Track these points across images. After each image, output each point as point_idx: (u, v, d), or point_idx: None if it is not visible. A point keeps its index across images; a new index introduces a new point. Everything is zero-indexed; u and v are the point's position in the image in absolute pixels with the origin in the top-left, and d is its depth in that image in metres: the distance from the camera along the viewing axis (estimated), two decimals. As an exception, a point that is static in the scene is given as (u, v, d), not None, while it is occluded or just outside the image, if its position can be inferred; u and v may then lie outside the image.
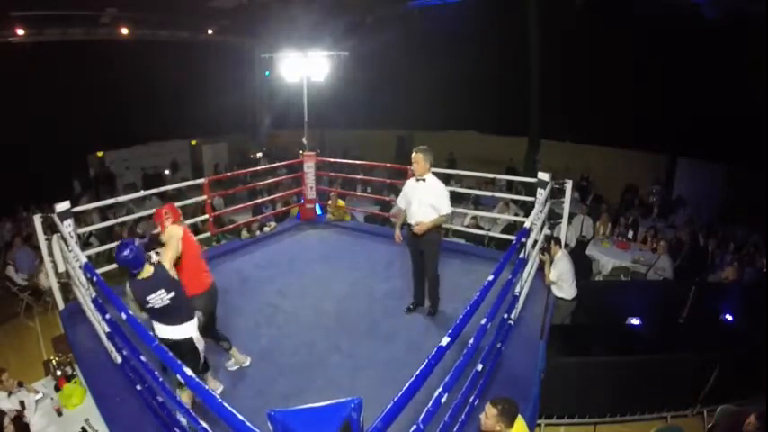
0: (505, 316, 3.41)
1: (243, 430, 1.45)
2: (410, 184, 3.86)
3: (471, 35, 11.25)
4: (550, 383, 3.51)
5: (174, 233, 2.84)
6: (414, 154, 3.73)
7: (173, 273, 2.61)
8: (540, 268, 4.62)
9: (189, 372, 1.78)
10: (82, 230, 4.44)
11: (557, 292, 4.62)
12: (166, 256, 2.64)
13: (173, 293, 2.54)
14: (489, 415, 2.35)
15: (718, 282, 6.17)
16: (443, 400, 1.95)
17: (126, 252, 2.45)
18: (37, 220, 3.76)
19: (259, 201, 7.44)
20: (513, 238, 4.76)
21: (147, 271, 2.53)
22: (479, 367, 2.79)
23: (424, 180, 3.74)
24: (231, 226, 6.42)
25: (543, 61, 10.17)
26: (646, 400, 4.42)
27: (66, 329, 3.86)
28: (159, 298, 2.51)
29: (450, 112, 12.75)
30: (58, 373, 3.62)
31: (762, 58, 7.32)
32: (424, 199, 3.70)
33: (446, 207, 3.71)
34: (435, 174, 3.84)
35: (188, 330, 2.65)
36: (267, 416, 1.35)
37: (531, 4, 9.90)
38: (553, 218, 5.28)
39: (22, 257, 6.98)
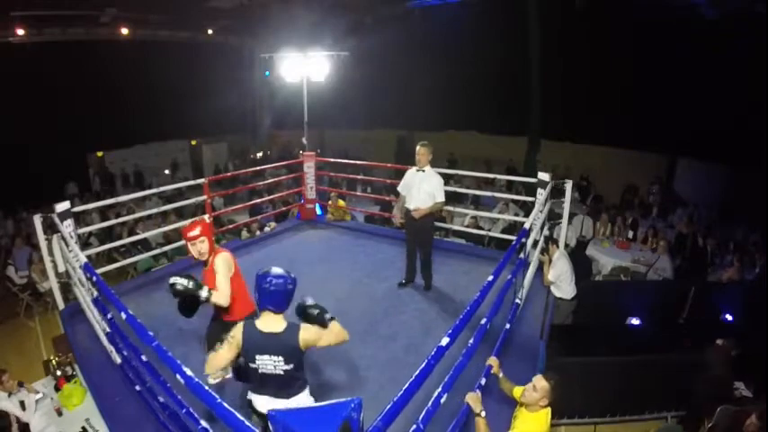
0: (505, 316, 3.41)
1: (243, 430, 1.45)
2: (410, 173, 4.23)
3: (471, 35, 11.24)
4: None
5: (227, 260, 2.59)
6: (417, 147, 4.17)
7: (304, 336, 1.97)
8: (541, 268, 4.62)
9: (188, 372, 1.78)
10: (82, 230, 4.44)
11: (556, 292, 4.62)
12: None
13: (291, 365, 1.97)
14: (538, 387, 2.29)
15: (718, 282, 6.17)
16: (443, 400, 1.95)
17: (290, 281, 1.98)
18: (37, 220, 3.76)
19: (259, 201, 7.45)
20: (513, 238, 4.77)
21: (277, 324, 1.98)
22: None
23: (423, 171, 4.13)
24: (231, 226, 6.42)
25: (543, 61, 10.16)
26: (646, 400, 4.42)
27: (66, 329, 3.87)
28: (273, 364, 1.96)
29: (451, 111, 12.71)
30: (58, 373, 3.61)
31: (762, 58, 7.32)
32: (423, 187, 4.09)
33: (441, 195, 4.12)
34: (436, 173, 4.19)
35: (302, 403, 2.05)
36: (267, 416, 1.36)
37: (531, 4, 9.89)
38: (553, 218, 5.28)
39: (22, 257, 6.98)
